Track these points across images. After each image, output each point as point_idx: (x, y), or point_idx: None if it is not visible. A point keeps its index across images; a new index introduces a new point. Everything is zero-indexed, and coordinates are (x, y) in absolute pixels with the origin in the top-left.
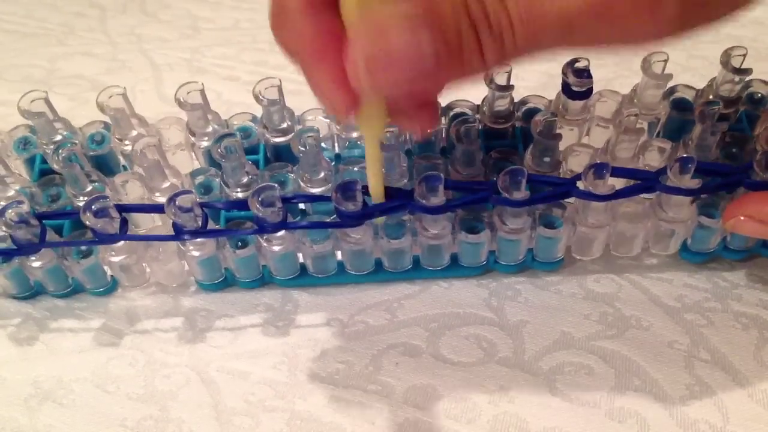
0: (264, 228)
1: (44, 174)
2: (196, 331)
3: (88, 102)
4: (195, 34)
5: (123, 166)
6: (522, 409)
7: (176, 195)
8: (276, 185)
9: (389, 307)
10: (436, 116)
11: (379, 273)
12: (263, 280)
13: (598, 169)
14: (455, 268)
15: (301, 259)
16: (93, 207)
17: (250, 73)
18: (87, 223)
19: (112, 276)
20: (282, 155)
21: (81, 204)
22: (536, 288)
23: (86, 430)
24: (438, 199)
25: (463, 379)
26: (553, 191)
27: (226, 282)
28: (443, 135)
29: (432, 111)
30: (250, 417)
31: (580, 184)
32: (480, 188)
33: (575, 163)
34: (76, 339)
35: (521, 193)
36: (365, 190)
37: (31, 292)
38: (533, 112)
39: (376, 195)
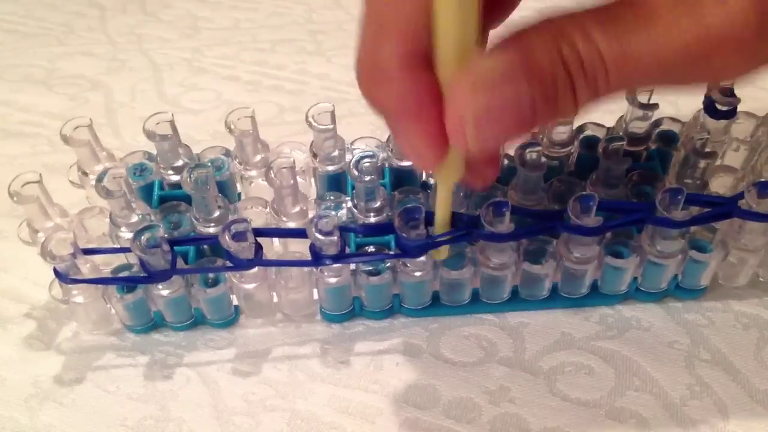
0: (407, 252)
1: (163, 200)
2: (197, 332)
3: (88, 102)
4: (195, 34)
5: (238, 194)
6: (522, 409)
7: (319, 217)
8: (412, 211)
9: (389, 317)
10: (497, 167)
11: (475, 304)
12: (392, 310)
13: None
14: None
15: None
16: (232, 229)
17: (250, 72)
18: (225, 245)
19: (235, 306)
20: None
21: (208, 230)
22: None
23: (86, 430)
24: (504, 225)
25: (463, 379)
26: (713, 211)
27: (353, 312)
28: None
29: (497, 163)
30: (250, 417)
31: (743, 203)
32: (635, 208)
33: (718, 185)
34: (77, 339)
35: (680, 213)
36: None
37: (150, 324)
38: (668, 134)
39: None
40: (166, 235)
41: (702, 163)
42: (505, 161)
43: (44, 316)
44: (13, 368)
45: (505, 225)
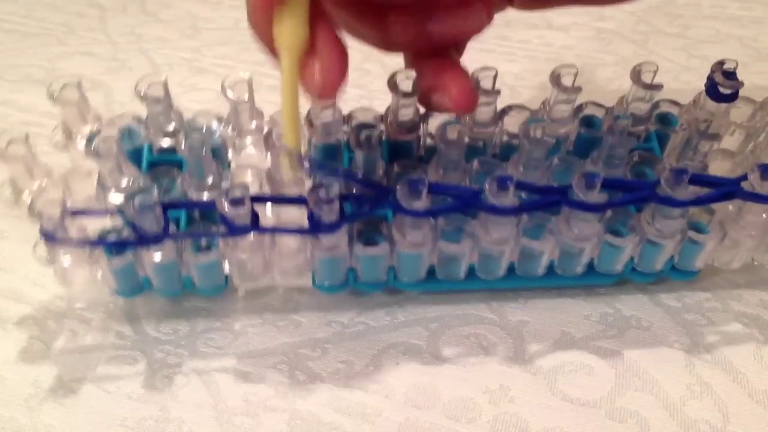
0: (404, 211)
1: (153, 165)
2: (197, 332)
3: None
4: (195, 34)
5: (228, 163)
6: (522, 409)
7: (318, 186)
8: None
9: (390, 309)
10: (343, 59)
11: (471, 280)
12: (386, 283)
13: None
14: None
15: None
16: (229, 194)
17: (250, 72)
18: (222, 211)
19: (226, 275)
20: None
21: (201, 196)
22: (536, 288)
23: (86, 430)
24: (508, 199)
25: (463, 379)
26: (717, 191)
27: (346, 284)
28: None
29: (342, 53)
30: (250, 417)
31: (746, 185)
32: (639, 186)
33: (716, 169)
34: (76, 339)
35: (684, 192)
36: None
37: (138, 290)
38: (667, 116)
39: (290, 137)
40: (158, 199)
41: (705, 146)
42: (505, 137)
43: (44, 316)
44: (13, 368)
45: (509, 199)
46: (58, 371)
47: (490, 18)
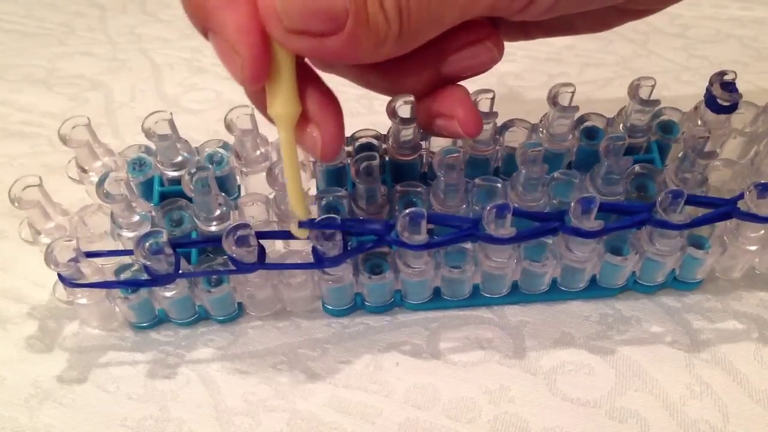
0: (406, 246)
1: (164, 197)
2: (197, 332)
3: (89, 102)
4: (195, 34)
5: (237, 186)
6: (522, 409)
7: (321, 222)
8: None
9: (389, 310)
10: (340, 124)
11: (476, 298)
12: (394, 304)
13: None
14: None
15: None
16: (234, 235)
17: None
18: (228, 251)
19: (239, 303)
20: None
21: (210, 229)
22: None
23: (86, 430)
24: (506, 229)
25: (463, 379)
26: (712, 213)
27: (354, 307)
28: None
29: (338, 114)
30: (250, 417)
31: (742, 204)
32: (635, 210)
33: (716, 177)
34: (77, 339)
35: (680, 216)
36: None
37: (155, 321)
38: (668, 124)
39: (298, 209)
40: (168, 239)
41: (701, 163)
42: (506, 153)
43: (44, 316)
44: (13, 368)
45: (507, 228)
46: (58, 371)
47: (501, 54)
